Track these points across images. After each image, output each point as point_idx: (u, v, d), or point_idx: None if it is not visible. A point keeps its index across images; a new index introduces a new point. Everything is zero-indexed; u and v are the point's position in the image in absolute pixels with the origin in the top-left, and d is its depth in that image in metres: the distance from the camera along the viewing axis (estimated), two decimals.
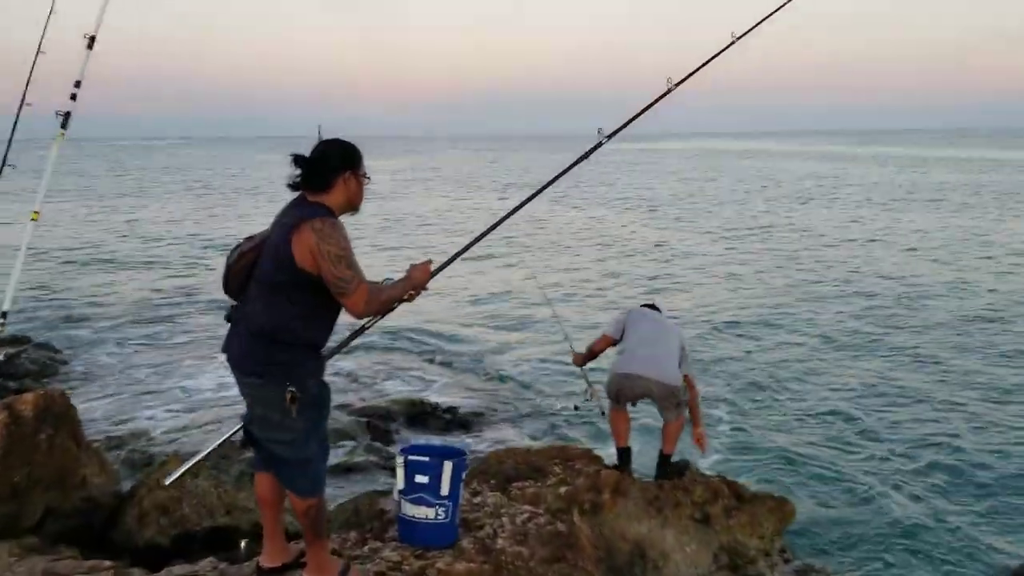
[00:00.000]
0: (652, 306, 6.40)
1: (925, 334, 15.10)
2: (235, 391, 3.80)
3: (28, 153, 7.87)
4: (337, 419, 9.84)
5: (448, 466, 4.26)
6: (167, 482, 4.44)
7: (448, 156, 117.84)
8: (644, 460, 6.57)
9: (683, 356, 6.06)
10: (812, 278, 20.97)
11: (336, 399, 11.46)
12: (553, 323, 7.49)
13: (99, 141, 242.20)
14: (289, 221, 3.58)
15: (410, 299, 3.93)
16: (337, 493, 7.60)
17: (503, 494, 5.35)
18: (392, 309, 3.94)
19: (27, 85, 7.18)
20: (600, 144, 4.88)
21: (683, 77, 5.00)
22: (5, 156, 7.32)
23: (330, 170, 3.65)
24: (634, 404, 6.09)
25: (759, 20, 5.29)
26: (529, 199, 4.89)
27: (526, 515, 4.89)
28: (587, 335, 11.76)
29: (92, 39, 6.62)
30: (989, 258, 23.61)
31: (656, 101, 5.03)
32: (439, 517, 4.29)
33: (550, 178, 4.94)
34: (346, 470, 8.67)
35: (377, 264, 21.20)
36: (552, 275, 21.24)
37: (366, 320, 4.08)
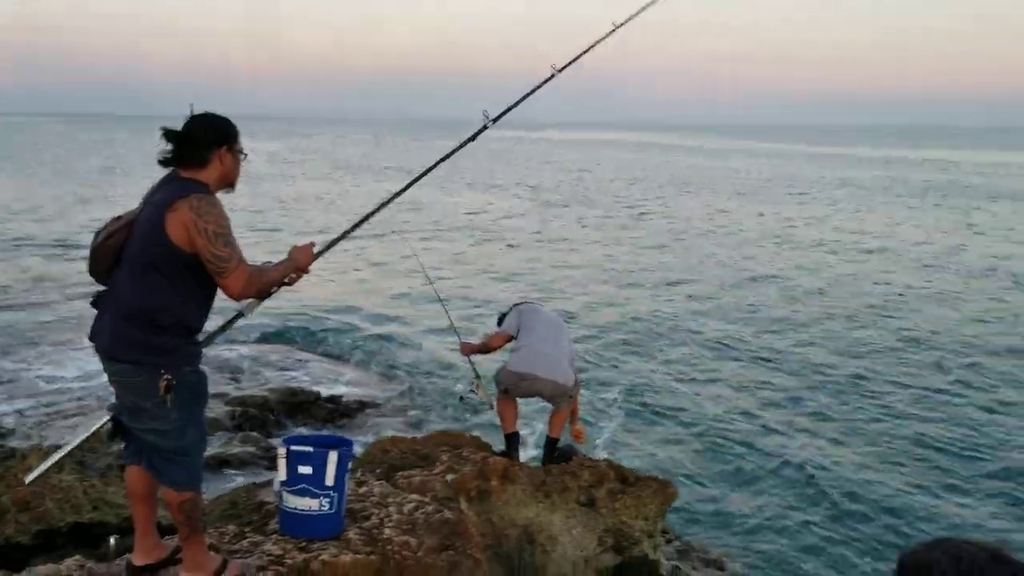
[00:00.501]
0: (529, 302, 6.50)
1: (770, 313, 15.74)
2: (102, 379, 3.58)
3: None
4: (214, 409, 9.51)
5: (333, 456, 4.13)
6: (28, 480, 4.15)
7: (331, 138, 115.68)
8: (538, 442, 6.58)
9: (573, 353, 6.19)
10: (683, 265, 21.60)
11: (213, 387, 11.11)
12: (437, 310, 7.41)
13: None
14: (162, 198, 3.38)
15: (291, 282, 3.80)
16: (214, 486, 7.34)
17: (389, 483, 5.25)
18: (272, 293, 3.79)
19: None
20: (485, 127, 4.90)
21: (565, 64, 5.09)
22: None
23: (204, 145, 3.47)
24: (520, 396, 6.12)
25: (638, 11, 5.42)
26: (414, 181, 4.90)
27: (413, 504, 4.81)
28: (473, 324, 11.70)
29: None
30: (823, 245, 24.87)
31: (539, 86, 5.12)
32: (324, 508, 4.16)
33: (434, 161, 4.92)
34: (223, 462, 8.38)
35: (256, 247, 20.65)
36: (434, 260, 21.18)
37: (246, 305, 3.92)
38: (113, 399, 3.63)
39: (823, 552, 7.44)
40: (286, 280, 3.76)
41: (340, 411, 10.26)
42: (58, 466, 5.19)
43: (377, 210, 4.70)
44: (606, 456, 7.85)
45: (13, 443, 8.58)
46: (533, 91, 5.18)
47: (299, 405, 10.24)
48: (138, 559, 3.82)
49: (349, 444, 4.40)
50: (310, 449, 4.17)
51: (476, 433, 7.09)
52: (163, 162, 3.50)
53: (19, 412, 9.83)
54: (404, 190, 4.85)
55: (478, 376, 6.22)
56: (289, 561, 3.98)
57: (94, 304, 3.59)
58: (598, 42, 5.37)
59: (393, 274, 19.42)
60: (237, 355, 12.56)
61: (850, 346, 14.18)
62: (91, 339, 3.58)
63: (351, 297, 17.16)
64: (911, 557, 1.21)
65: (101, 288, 3.59)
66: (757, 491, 8.61)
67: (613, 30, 5.36)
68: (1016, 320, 15.88)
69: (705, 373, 12.49)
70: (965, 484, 8.78)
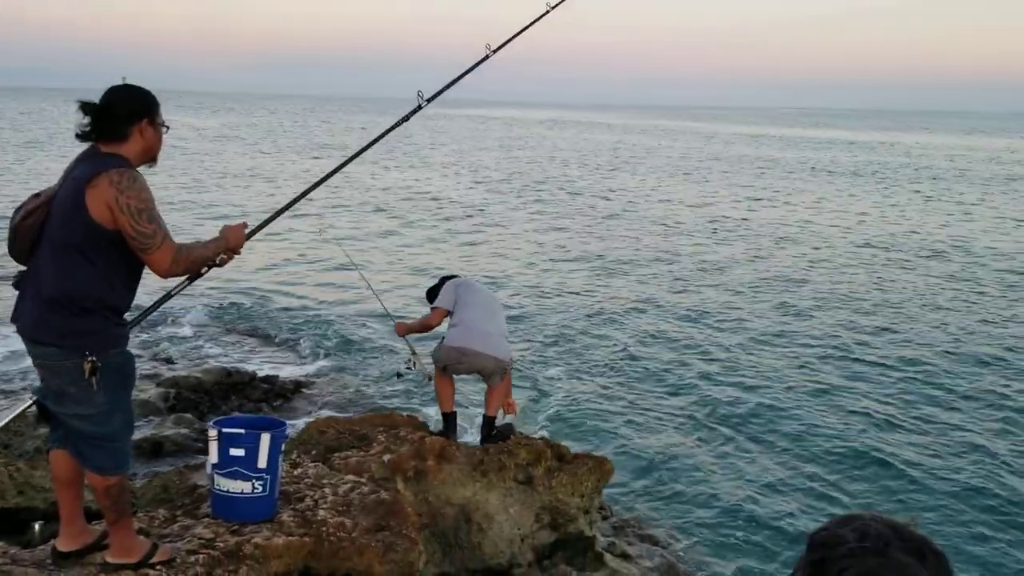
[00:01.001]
0: (456, 276, 6.50)
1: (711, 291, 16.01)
2: (26, 362, 3.49)
3: None
4: (146, 391, 9.32)
5: (266, 438, 4.09)
6: None
7: (266, 115, 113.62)
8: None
9: (505, 329, 6.23)
10: (617, 242, 21.85)
11: (145, 369, 10.84)
12: (368, 288, 7.40)
13: None
14: (82, 174, 3.29)
15: (223, 263, 3.74)
16: (146, 469, 7.20)
17: (325, 464, 5.21)
18: (203, 272, 3.73)
19: None
20: (420, 107, 4.90)
21: (501, 44, 5.17)
22: None
23: (124, 118, 3.38)
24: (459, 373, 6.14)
25: None
26: (348, 160, 4.94)
27: (349, 485, 4.79)
28: (407, 307, 11.62)
29: None
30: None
31: (475, 66, 5.17)
32: (256, 491, 4.12)
33: (369, 140, 4.92)
34: (156, 444, 8.21)
35: (184, 225, 20.28)
36: (365, 239, 21.12)
37: (175, 285, 3.85)
38: (38, 382, 3.54)
39: (758, 525, 7.60)
40: (217, 260, 3.69)
41: (276, 392, 10.12)
42: None
43: (310, 190, 4.68)
44: (545, 434, 7.92)
45: None
46: (468, 71, 5.23)
47: (234, 386, 10.08)
48: (63, 545, 3.74)
49: (282, 425, 4.36)
50: (242, 431, 4.13)
51: (413, 413, 7.08)
52: (81, 136, 3.39)
53: None
54: (338, 169, 4.87)
55: (414, 352, 6.21)
56: (221, 544, 3.94)
57: (15, 285, 3.49)
58: (532, 23, 5.46)
59: (323, 252, 19.25)
60: (170, 336, 12.31)
61: (788, 311, 14.65)
62: (13, 321, 3.48)
63: (287, 277, 16.93)
64: (820, 535, 1.24)
65: (22, 268, 3.50)
66: (694, 466, 8.75)
67: (547, 11, 5.46)
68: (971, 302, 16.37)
69: (644, 349, 12.63)
70: (897, 459, 9.04)
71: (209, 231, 3.74)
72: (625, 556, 6.38)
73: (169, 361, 11.01)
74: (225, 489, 4.13)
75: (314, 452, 5.55)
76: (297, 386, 10.43)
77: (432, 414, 8.23)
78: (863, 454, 9.05)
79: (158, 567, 3.69)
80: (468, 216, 26.25)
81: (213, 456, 4.14)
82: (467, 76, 5.20)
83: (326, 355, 12.05)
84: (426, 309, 6.33)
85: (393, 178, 36.49)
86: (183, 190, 28.74)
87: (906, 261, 20.03)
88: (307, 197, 4.71)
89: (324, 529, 4.24)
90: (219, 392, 9.90)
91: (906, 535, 1.20)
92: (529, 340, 12.81)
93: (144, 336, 11.85)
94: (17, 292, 3.48)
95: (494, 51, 5.11)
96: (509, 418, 6.34)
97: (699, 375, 11.50)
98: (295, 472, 4.90)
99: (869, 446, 9.23)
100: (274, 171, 38.36)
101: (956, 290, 16.92)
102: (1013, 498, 8.18)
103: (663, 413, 10.15)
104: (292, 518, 4.27)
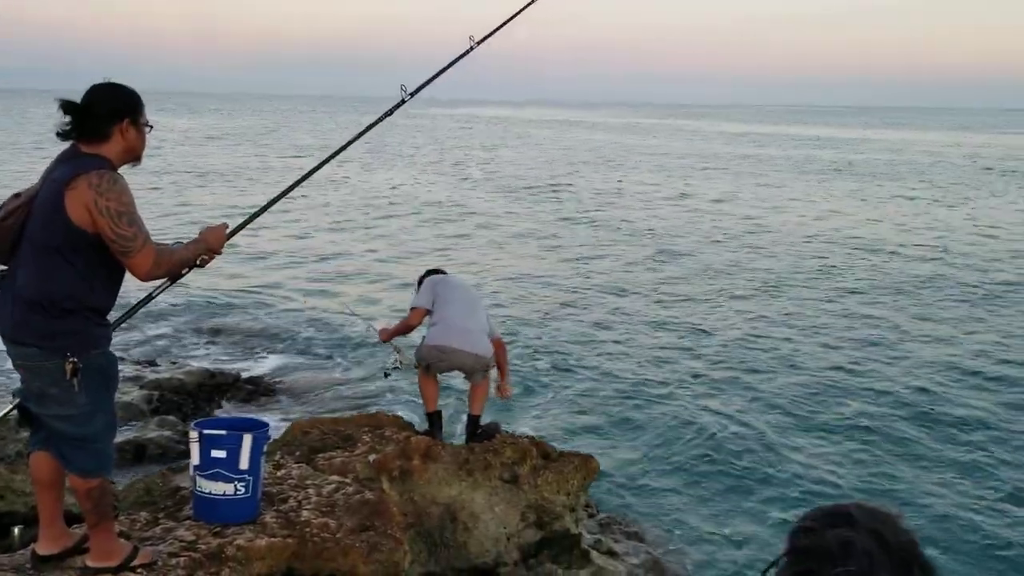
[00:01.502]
0: (440, 271, 6.44)
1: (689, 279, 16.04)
2: (7, 365, 3.46)
3: None
4: (129, 393, 9.24)
5: (248, 439, 4.06)
6: None
7: (251, 116, 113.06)
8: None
9: (490, 323, 6.20)
10: (601, 236, 21.94)
11: (128, 371, 10.72)
12: (361, 291, 7.37)
13: None
14: (61, 176, 3.25)
15: (204, 264, 3.71)
16: (129, 472, 7.15)
17: (309, 465, 5.19)
18: (183, 274, 3.70)
19: None
20: (403, 101, 4.87)
21: (484, 36, 5.12)
22: None
23: (105, 118, 3.33)
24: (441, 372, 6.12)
25: None
26: (330, 158, 4.90)
27: (333, 485, 4.77)
28: (389, 311, 11.56)
29: None
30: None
31: (458, 59, 5.13)
32: (239, 492, 4.09)
33: (351, 137, 4.88)
34: (139, 447, 8.15)
35: (165, 227, 20.13)
36: (345, 236, 21.08)
37: (155, 287, 3.82)
38: (19, 384, 3.51)
39: (744, 520, 7.61)
40: (198, 262, 3.67)
41: (260, 392, 10.08)
42: None
43: (292, 188, 4.66)
44: (530, 432, 7.90)
45: None
46: (451, 64, 5.19)
47: (218, 387, 10.02)
48: (43, 548, 3.70)
49: (264, 426, 4.34)
50: (223, 432, 4.10)
51: (399, 413, 7.06)
52: (62, 135, 3.35)
53: None
54: (319, 167, 4.84)
55: (398, 351, 6.18)
56: (203, 547, 3.91)
57: None
58: (515, 15, 5.44)
59: (308, 251, 19.17)
60: (153, 337, 12.23)
61: (774, 306, 14.74)
62: None
63: (271, 278, 16.83)
64: (803, 540, 1.21)
65: (2, 268, 3.46)
66: (680, 463, 8.75)
67: (530, 2, 5.44)
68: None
69: (630, 347, 12.63)
70: (875, 447, 9.08)
71: (186, 235, 3.71)
72: (611, 553, 6.37)
73: (152, 363, 10.93)
74: (207, 491, 4.10)
75: (298, 453, 5.52)
76: (282, 386, 10.39)
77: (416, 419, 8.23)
78: (853, 451, 9.08)
79: (139, 570, 3.66)
80: (453, 212, 26.23)
81: (194, 458, 4.11)
82: (462, 72, 5.21)
83: (311, 355, 12.00)
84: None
85: (383, 177, 36.41)
86: (160, 191, 28.51)
87: (875, 254, 20.21)
88: (287, 196, 4.68)
89: (308, 530, 4.21)
90: (203, 394, 9.84)
91: (892, 545, 1.16)
92: (514, 337, 12.79)
93: (126, 337, 11.76)
94: None
95: (477, 43, 5.08)
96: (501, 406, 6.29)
97: (686, 372, 11.51)
98: (278, 473, 4.87)
99: (859, 442, 9.26)
100: (258, 169, 38.20)
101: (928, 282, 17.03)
102: (1011, 490, 8.23)
103: (649, 410, 10.15)
104: (275, 519, 4.25)
